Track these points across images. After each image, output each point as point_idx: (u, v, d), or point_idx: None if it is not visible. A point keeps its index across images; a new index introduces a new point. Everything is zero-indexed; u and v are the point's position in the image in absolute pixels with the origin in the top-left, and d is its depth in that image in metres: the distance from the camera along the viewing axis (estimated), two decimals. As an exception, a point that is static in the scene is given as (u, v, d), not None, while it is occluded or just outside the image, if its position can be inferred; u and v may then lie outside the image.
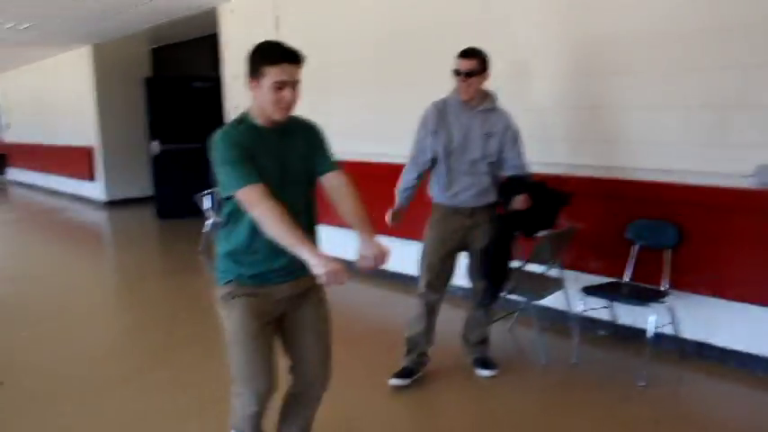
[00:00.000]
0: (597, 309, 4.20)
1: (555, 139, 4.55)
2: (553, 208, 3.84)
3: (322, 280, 2.08)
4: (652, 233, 4.02)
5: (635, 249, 4.08)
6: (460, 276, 3.93)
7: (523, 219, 3.68)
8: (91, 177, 11.93)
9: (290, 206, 2.21)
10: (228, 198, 2.27)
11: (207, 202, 7.20)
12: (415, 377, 3.77)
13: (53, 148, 13.64)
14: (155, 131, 9.58)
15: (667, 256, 3.94)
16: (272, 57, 2.20)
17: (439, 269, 3.73)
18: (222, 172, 2.23)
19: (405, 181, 3.76)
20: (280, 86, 2.20)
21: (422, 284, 3.78)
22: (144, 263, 7.62)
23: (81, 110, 11.88)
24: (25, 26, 8.87)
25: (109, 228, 10.47)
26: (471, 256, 3.81)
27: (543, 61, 4.58)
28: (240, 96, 7.44)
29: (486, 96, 3.63)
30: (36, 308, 5.65)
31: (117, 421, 3.41)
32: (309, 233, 2.35)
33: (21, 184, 16.24)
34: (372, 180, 5.79)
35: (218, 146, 2.24)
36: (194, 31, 9.77)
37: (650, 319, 3.76)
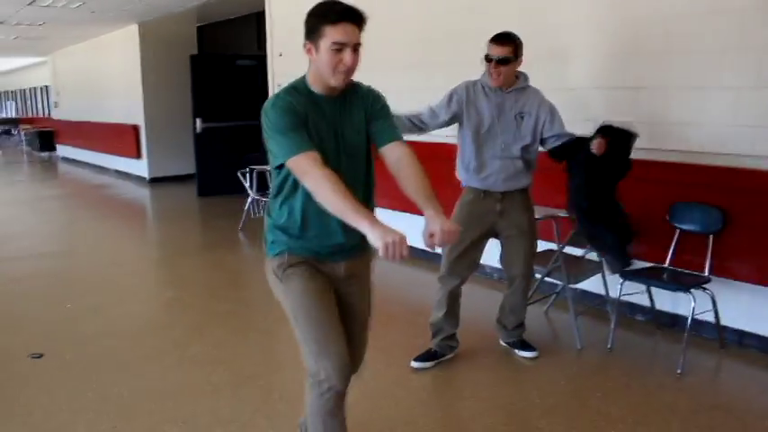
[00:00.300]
0: (636, 294, 4.11)
1: (593, 119, 4.43)
2: (627, 145, 3.61)
3: (381, 254, 1.83)
4: (695, 217, 3.91)
5: (677, 234, 3.97)
6: (495, 258, 3.88)
7: (607, 164, 3.53)
8: (137, 155, 12.17)
9: (346, 179, 2.01)
10: (280, 168, 2.11)
11: (248, 180, 7.28)
12: (441, 360, 3.76)
13: (100, 126, 13.94)
14: (198, 109, 9.68)
15: (710, 241, 3.83)
16: (331, 15, 2.03)
17: (463, 253, 3.62)
18: (273, 140, 2.07)
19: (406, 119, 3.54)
20: (338, 48, 2.02)
21: (443, 269, 3.70)
22: (184, 239, 7.76)
23: (127, 88, 12.10)
24: (77, 5, 9.05)
25: (152, 204, 10.68)
26: (503, 244, 3.72)
27: (584, 41, 4.46)
28: (284, 74, 7.47)
29: (517, 77, 3.53)
30: (80, 281, 5.81)
31: (152, 394, 3.48)
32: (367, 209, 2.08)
33: (69, 161, 16.68)
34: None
35: (269, 113, 2.08)
36: (240, 9, 9.83)
37: (691, 305, 3.66)
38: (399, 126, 2.72)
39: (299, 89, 2.16)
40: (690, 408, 3.25)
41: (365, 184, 2.25)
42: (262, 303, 5.10)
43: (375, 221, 1.90)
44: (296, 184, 2.13)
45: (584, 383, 3.58)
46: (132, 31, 11.54)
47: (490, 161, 3.53)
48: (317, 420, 2.38)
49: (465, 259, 3.65)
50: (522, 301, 3.84)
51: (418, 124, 3.59)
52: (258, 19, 9.97)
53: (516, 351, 3.88)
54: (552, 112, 3.54)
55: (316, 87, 2.15)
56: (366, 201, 2.19)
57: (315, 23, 2.06)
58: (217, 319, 4.68)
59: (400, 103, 5.98)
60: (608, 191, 3.70)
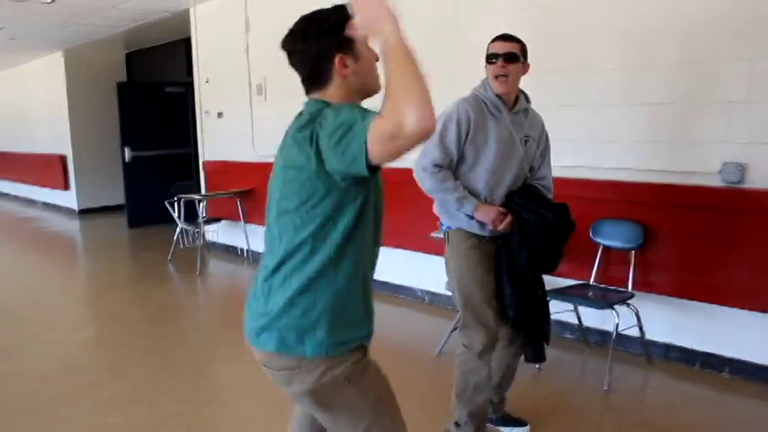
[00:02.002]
0: (564, 312, 4.12)
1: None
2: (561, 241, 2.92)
3: None
4: (616, 233, 3.96)
5: (600, 250, 4.01)
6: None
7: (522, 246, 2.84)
8: (65, 186, 11.74)
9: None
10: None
11: (176, 209, 7.07)
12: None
13: (26, 157, 13.43)
14: (127, 138, 9.42)
15: (632, 257, 3.87)
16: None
17: (494, 313, 2.87)
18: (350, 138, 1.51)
19: (451, 186, 2.78)
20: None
21: (476, 341, 2.85)
22: (111, 272, 7.46)
23: (54, 117, 11.69)
24: (-8, 32, 8.72)
25: (80, 237, 10.27)
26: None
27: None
28: (211, 100, 7.33)
29: (519, 95, 2.90)
30: (-4, 321, 5.49)
31: (63, 439, 3.28)
32: None
33: (-5, 194, 16.00)
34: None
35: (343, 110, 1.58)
36: (168, 35, 9.63)
37: (614, 321, 3.67)
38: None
39: None
40: (616, 426, 3.25)
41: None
42: (187, 339, 4.92)
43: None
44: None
45: (512, 404, 3.52)
46: (57, 58, 11.18)
47: (500, 199, 2.85)
48: None
49: (496, 316, 2.89)
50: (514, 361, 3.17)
51: (451, 181, 2.80)
52: (187, 45, 9.80)
53: (510, 429, 3.21)
54: (548, 146, 3.02)
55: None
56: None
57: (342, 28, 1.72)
58: (137, 356, 4.47)
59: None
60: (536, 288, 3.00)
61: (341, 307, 1.71)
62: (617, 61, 3.96)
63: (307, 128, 1.64)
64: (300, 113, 1.78)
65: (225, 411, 3.54)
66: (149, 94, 9.69)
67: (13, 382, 4.06)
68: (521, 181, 2.89)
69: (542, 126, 2.99)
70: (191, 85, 8.99)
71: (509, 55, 2.76)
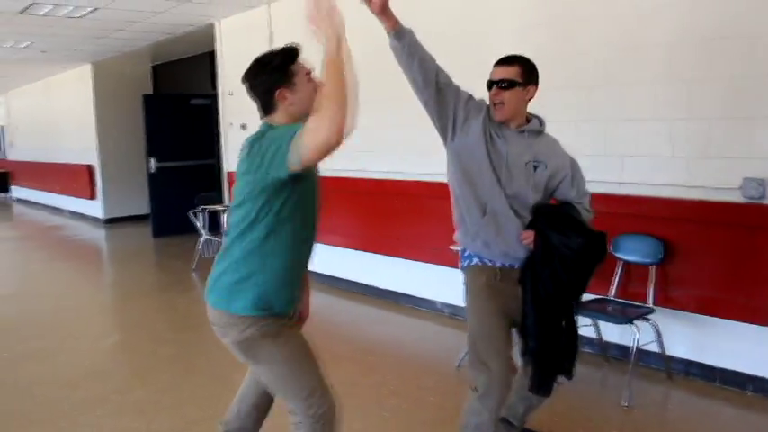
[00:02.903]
0: (583, 326, 4.11)
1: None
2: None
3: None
4: (637, 248, 3.95)
5: (620, 265, 4.01)
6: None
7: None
8: (91, 196, 11.95)
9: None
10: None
11: (200, 220, 7.18)
12: None
13: (55, 167, 13.70)
14: (152, 149, 9.58)
15: (652, 272, 3.87)
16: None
17: (500, 355, 2.70)
18: (279, 146, 2.05)
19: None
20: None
21: (479, 383, 2.69)
22: (137, 280, 7.59)
23: (81, 128, 11.93)
24: (24, 45, 8.94)
25: (106, 245, 10.46)
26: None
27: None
28: (235, 113, 7.45)
29: (531, 118, 2.80)
30: (24, 327, 5.60)
31: (88, 444, 3.36)
32: None
33: (24, 202, 16.31)
34: (365, 196, 5.82)
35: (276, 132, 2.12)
36: (194, 48, 9.80)
37: (634, 336, 3.67)
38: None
39: None
40: (635, 441, 3.24)
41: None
42: (208, 346, 4.98)
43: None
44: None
45: (531, 419, 3.53)
46: (86, 70, 11.43)
47: (507, 223, 2.73)
48: None
49: (510, 359, 2.74)
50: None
51: (421, 63, 2.65)
52: (211, 58, 9.96)
53: None
54: (574, 166, 2.82)
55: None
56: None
57: (282, 66, 2.23)
58: (161, 363, 4.55)
59: (367, 142, 5.91)
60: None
61: (266, 279, 2.19)
62: (637, 76, 3.97)
63: (252, 145, 2.15)
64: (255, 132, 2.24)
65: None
66: (175, 106, 9.86)
67: (39, 386, 4.16)
68: (525, 207, 2.71)
69: (564, 155, 2.81)
70: (215, 98, 9.14)
71: (504, 82, 2.66)
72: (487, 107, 2.74)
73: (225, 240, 2.30)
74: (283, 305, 2.26)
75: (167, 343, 5.01)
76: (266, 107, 2.23)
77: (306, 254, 2.32)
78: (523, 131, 2.73)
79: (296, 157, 1.99)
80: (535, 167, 2.71)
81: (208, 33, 8.09)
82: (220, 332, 2.30)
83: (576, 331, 2.86)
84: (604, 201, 4.09)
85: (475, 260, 2.78)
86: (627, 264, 4.00)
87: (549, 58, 4.35)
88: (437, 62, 2.68)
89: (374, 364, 4.35)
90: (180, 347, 4.91)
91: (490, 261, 2.76)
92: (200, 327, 5.63)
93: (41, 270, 8.39)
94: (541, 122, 2.81)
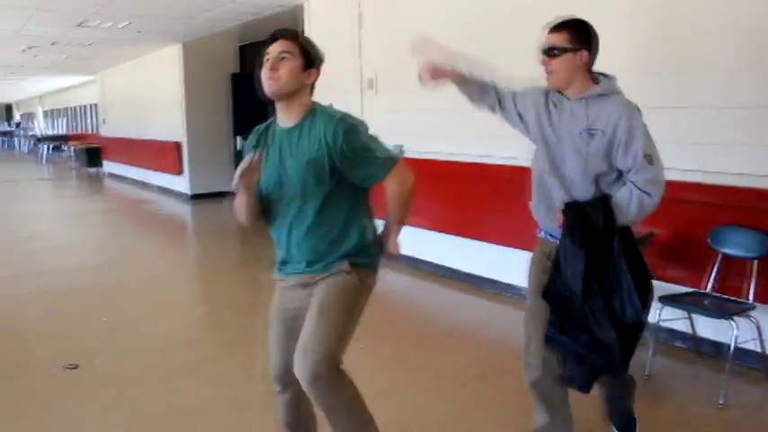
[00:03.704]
0: (675, 320, 3.98)
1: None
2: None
3: None
4: (738, 241, 3.78)
5: (718, 258, 3.84)
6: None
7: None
8: (179, 171, 12.38)
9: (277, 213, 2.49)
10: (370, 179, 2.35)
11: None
12: None
13: (144, 143, 14.26)
14: (238, 128, 9.82)
15: (754, 266, 3.69)
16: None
17: (535, 320, 2.75)
18: (377, 146, 2.32)
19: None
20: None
21: (525, 362, 2.80)
22: (222, 255, 7.84)
23: (170, 106, 12.35)
24: (123, 25, 9.30)
25: (192, 220, 10.84)
26: None
27: (621, 57, 4.38)
28: (321, 92, 7.53)
29: (594, 80, 2.63)
30: (118, 295, 5.89)
31: (182, 410, 3.50)
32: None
33: (115, 176, 17.08)
34: (452, 179, 5.80)
35: (363, 127, 2.33)
36: (278, 28, 9.99)
37: (733, 333, 3.52)
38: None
39: None
40: (731, 440, 3.13)
41: (313, 225, 2.34)
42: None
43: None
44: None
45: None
46: (176, 50, 11.80)
47: (557, 201, 2.68)
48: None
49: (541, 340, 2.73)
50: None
51: (484, 90, 2.88)
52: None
53: None
54: (631, 132, 2.49)
55: None
56: (316, 243, 2.37)
57: None
58: (247, 335, 4.67)
59: (445, 123, 5.90)
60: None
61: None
62: (740, 62, 3.78)
63: (348, 134, 2.28)
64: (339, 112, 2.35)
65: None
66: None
67: (134, 352, 4.37)
68: (585, 181, 2.58)
69: (620, 114, 2.51)
70: (300, 78, 9.24)
71: (554, 49, 2.57)
72: (546, 93, 2.73)
73: None
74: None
75: (253, 316, 5.13)
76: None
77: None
78: (582, 98, 2.59)
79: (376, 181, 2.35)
80: (591, 135, 2.54)
81: (294, 13, 8.19)
82: None
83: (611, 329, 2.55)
84: (704, 190, 3.96)
85: (541, 233, 2.82)
86: (726, 257, 3.83)
87: (654, 41, 4.19)
88: (496, 82, 2.88)
89: (458, 348, 4.34)
90: (265, 321, 5.02)
91: (552, 237, 2.72)
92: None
93: (131, 243, 8.78)
94: (609, 83, 2.62)
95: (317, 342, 2.26)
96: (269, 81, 2.24)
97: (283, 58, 2.23)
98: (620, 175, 2.58)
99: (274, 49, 2.25)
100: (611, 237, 2.51)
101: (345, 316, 2.33)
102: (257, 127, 2.46)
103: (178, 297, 6.07)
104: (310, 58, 2.28)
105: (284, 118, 2.34)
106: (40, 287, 6.14)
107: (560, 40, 2.58)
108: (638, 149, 2.49)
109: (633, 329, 2.58)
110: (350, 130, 2.24)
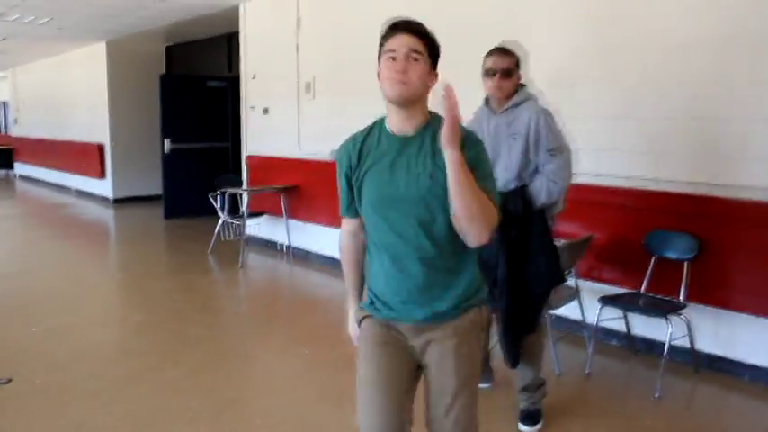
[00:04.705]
0: (612, 319, 4.18)
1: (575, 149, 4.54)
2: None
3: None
4: (671, 244, 4.01)
5: (653, 260, 4.07)
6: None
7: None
8: (101, 174, 11.94)
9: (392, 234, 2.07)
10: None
11: (219, 202, 7.20)
12: None
13: (63, 144, 13.67)
14: (167, 130, 9.58)
15: (685, 268, 3.93)
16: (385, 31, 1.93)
17: None
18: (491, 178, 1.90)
19: None
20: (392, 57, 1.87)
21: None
22: (151, 261, 7.62)
23: (93, 106, 11.91)
24: (44, 20, 8.91)
25: (116, 225, 10.46)
26: None
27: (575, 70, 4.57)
28: (257, 96, 7.47)
29: (514, 93, 3.16)
30: (44, 303, 5.62)
31: (130, 419, 3.40)
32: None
33: (28, 179, 16.28)
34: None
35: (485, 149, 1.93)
36: (208, 30, 9.79)
37: (668, 331, 3.73)
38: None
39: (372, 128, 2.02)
40: (669, 429, 3.31)
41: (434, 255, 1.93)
42: (236, 328, 5.04)
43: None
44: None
45: (564, 407, 3.60)
46: (100, 48, 11.39)
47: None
48: None
49: None
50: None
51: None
52: (229, 41, 9.95)
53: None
54: (539, 130, 3.07)
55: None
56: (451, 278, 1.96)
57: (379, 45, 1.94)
58: (191, 343, 4.59)
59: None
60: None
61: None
62: (675, 76, 4.02)
63: (477, 149, 1.90)
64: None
65: (284, 400, 3.64)
66: (191, 88, 9.85)
67: (72, 362, 4.20)
68: (514, 182, 3.12)
69: (529, 116, 3.07)
70: (232, 80, 9.12)
71: (507, 71, 3.08)
72: (479, 111, 3.26)
73: None
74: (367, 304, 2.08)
75: (194, 324, 5.04)
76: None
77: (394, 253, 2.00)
78: (504, 111, 3.14)
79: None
80: (514, 138, 3.09)
81: (227, 15, 8.08)
82: None
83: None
84: (639, 196, 4.19)
85: None
86: (660, 259, 4.05)
87: (598, 53, 4.38)
88: None
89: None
90: (207, 328, 4.95)
91: None
92: (225, 309, 5.72)
93: (53, 247, 8.39)
94: (523, 91, 3.16)
95: None
96: (399, 85, 1.84)
97: (416, 60, 1.85)
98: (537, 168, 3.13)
99: (402, 46, 1.85)
100: (529, 220, 3.10)
101: None
102: (350, 139, 2.03)
103: (109, 304, 5.87)
104: (436, 59, 1.93)
105: (401, 126, 1.93)
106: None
107: (511, 63, 3.10)
108: (543, 146, 3.06)
109: (540, 298, 3.23)
110: (479, 145, 1.92)
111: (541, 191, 3.08)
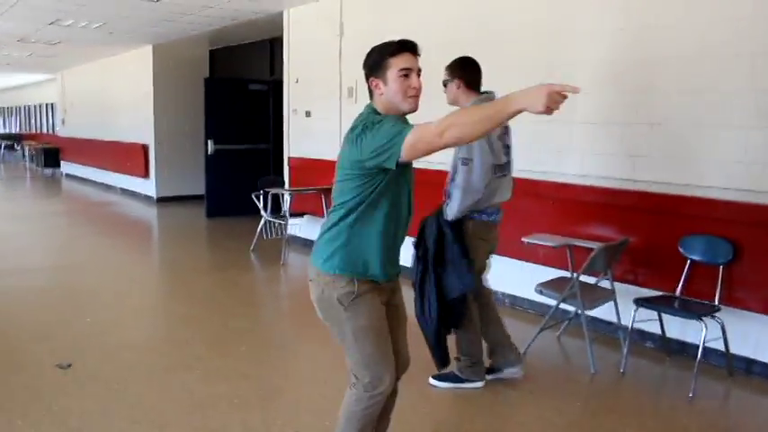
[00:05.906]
0: (647, 321, 4.26)
1: (610, 153, 4.63)
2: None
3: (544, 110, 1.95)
4: (705, 249, 4.08)
5: (688, 264, 4.14)
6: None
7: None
8: (145, 174, 12.30)
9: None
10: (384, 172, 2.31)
11: (262, 202, 7.41)
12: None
13: (108, 144, 14.09)
14: (210, 131, 9.85)
15: (720, 272, 3.99)
16: (392, 48, 2.36)
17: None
18: (387, 139, 2.23)
19: None
20: (405, 74, 2.33)
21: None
22: (195, 258, 7.87)
23: (138, 108, 12.27)
24: (97, 25, 9.24)
25: (159, 223, 10.78)
26: None
27: (600, 78, 4.66)
28: (300, 100, 7.68)
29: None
30: (94, 296, 5.89)
31: (182, 406, 3.58)
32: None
33: (73, 178, 16.79)
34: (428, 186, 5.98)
35: (379, 121, 2.30)
36: (252, 35, 10.06)
37: (702, 333, 3.80)
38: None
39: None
40: (703, 429, 3.39)
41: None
42: (278, 322, 5.23)
43: (520, 93, 2.01)
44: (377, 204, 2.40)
45: (599, 404, 3.71)
46: (146, 51, 11.75)
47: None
48: (356, 426, 2.53)
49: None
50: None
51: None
52: (271, 45, 10.21)
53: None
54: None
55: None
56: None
57: (378, 59, 2.38)
58: (235, 335, 4.78)
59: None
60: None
61: (354, 246, 2.42)
62: (712, 83, 4.09)
63: (363, 130, 2.30)
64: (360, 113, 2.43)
65: (326, 390, 3.80)
66: (234, 91, 10.12)
67: (125, 350, 4.42)
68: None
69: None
70: (273, 84, 9.35)
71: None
72: None
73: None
74: (372, 270, 2.44)
75: (237, 317, 5.24)
76: (369, 91, 2.46)
77: (394, 229, 2.47)
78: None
79: (404, 153, 2.19)
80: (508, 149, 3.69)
81: (271, 21, 8.31)
82: (311, 287, 2.53)
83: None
84: (676, 202, 4.26)
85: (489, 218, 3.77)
86: (694, 263, 4.11)
87: (629, 65, 4.47)
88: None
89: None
90: (250, 322, 5.14)
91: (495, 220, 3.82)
92: (267, 304, 5.92)
93: (100, 243, 8.69)
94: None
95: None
96: (416, 99, 2.37)
97: (418, 76, 2.37)
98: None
99: (414, 65, 2.36)
100: (442, 233, 3.53)
101: None
102: None
103: (156, 298, 6.11)
104: None
105: None
106: (7, 288, 6.12)
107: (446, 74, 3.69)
108: (455, 154, 3.54)
109: (459, 304, 3.56)
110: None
111: (452, 203, 3.52)
